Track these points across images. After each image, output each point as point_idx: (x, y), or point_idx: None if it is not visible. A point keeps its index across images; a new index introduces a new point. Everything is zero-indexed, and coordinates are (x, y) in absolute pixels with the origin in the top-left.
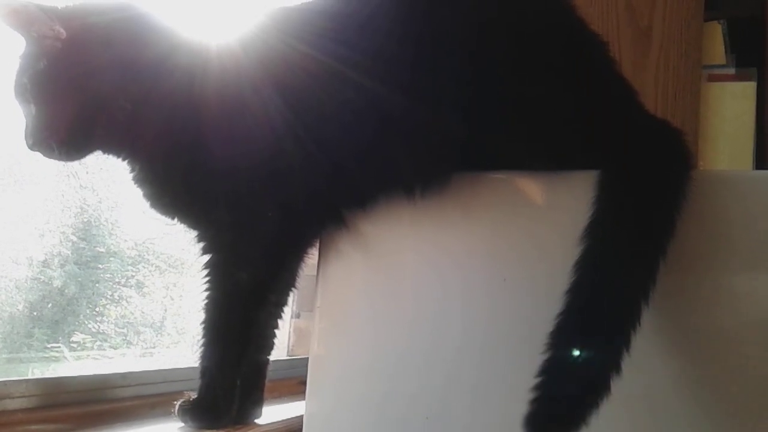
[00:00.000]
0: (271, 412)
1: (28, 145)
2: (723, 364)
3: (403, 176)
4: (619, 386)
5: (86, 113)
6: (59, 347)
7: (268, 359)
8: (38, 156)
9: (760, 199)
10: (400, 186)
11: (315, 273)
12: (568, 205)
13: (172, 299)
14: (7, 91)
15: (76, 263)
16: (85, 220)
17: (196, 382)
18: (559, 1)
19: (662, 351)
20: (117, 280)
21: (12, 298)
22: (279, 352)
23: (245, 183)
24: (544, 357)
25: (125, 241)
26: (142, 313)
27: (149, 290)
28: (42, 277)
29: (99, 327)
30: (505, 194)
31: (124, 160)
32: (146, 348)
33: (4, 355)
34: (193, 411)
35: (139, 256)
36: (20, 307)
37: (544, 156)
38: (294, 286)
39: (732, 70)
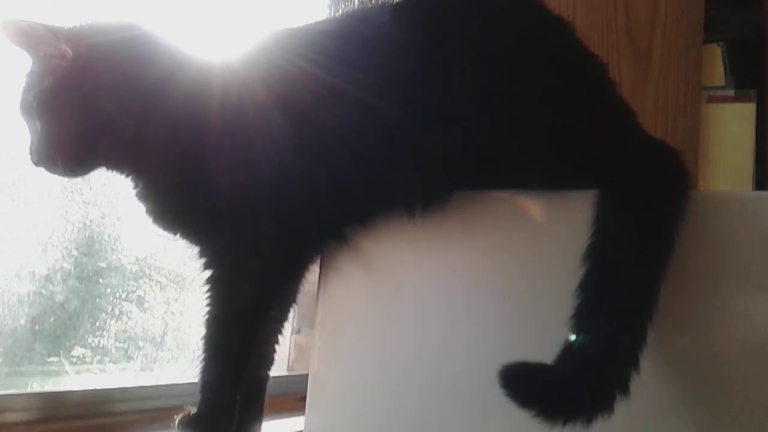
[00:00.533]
0: (271, 428)
1: (32, 162)
2: (719, 383)
3: (403, 194)
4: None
5: (91, 131)
6: (60, 361)
7: (267, 375)
8: (42, 172)
9: (760, 219)
10: (401, 203)
11: (316, 289)
12: (567, 224)
13: (173, 314)
14: (11, 107)
15: (77, 278)
16: (88, 235)
17: (196, 397)
18: (559, 23)
19: (660, 371)
20: (118, 294)
21: (14, 312)
22: (279, 367)
23: (247, 200)
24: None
25: (127, 256)
26: (143, 328)
27: (150, 305)
28: (44, 291)
29: (99, 341)
30: (504, 213)
31: (127, 176)
32: (146, 363)
33: (4, 369)
34: (193, 426)
35: (141, 271)
36: (22, 321)
37: (543, 175)
38: (295, 302)
39: (731, 92)
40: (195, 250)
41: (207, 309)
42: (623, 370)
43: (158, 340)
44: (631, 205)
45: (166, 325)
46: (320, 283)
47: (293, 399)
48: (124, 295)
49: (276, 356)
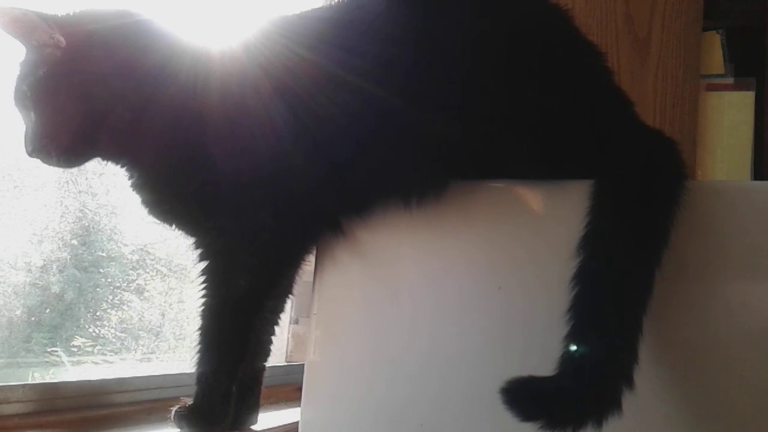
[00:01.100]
0: (268, 418)
1: (27, 152)
2: (719, 373)
3: (400, 182)
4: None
5: (85, 121)
6: (58, 352)
7: (264, 365)
8: (37, 162)
9: (757, 209)
10: (397, 192)
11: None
12: (563, 214)
13: (171, 305)
14: (6, 97)
15: (76, 267)
16: (85, 225)
17: (193, 388)
18: (557, 11)
19: (658, 360)
20: (117, 284)
21: (11, 303)
22: (277, 358)
23: (246, 188)
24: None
25: (125, 245)
26: (141, 318)
27: (149, 295)
28: (41, 282)
29: (98, 331)
30: (500, 203)
31: (123, 167)
32: (145, 353)
33: (2, 360)
34: (189, 417)
35: (140, 260)
36: (18, 312)
37: (539, 165)
38: (291, 293)
39: (731, 80)
40: (191, 240)
41: (203, 300)
42: (625, 364)
43: (156, 330)
44: (626, 195)
45: (164, 316)
46: (316, 274)
47: (291, 389)
48: (123, 285)
49: (273, 346)
